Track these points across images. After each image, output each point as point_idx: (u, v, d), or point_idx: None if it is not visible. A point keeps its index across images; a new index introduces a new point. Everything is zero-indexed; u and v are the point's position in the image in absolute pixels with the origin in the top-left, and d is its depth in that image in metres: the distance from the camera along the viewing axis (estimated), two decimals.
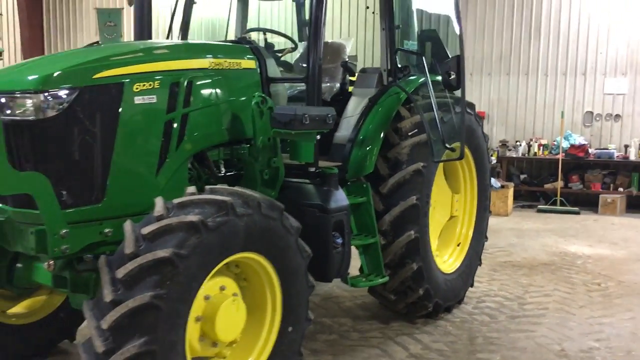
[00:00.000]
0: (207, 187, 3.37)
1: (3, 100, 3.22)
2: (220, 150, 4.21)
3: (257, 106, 4.05)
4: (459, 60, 4.60)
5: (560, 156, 11.40)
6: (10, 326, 4.24)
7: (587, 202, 11.53)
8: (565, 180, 11.69)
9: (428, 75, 4.79)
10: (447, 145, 4.73)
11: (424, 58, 4.91)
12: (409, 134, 4.88)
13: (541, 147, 11.99)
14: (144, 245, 2.96)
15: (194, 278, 3.01)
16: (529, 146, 11.99)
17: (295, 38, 6.27)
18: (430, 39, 5.66)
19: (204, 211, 3.09)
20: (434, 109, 4.74)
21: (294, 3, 6.33)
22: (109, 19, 14.94)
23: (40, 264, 3.98)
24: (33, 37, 15.31)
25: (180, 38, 5.38)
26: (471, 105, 5.56)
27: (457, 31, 4.69)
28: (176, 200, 3.17)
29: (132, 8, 4.89)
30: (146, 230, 2.98)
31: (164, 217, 3.05)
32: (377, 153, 4.78)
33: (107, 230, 3.46)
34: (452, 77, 4.55)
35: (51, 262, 3.48)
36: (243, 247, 3.29)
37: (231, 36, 5.95)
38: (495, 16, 12.20)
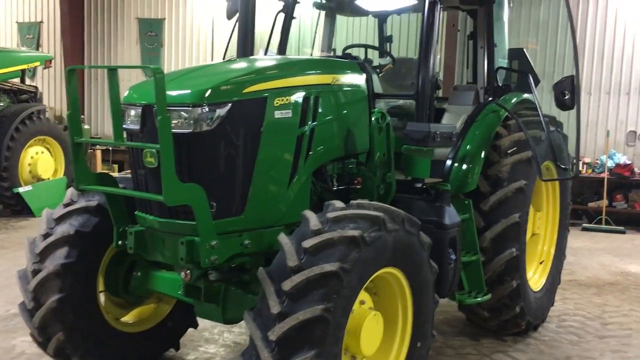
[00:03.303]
0: (353, 202, 3.41)
1: None
2: (334, 165, 4.26)
3: (377, 122, 4.10)
4: (574, 79, 4.64)
5: (605, 175, 11.40)
6: (123, 333, 4.28)
7: (631, 222, 11.50)
8: (609, 199, 11.68)
9: (535, 93, 4.83)
10: (562, 166, 4.74)
11: (530, 76, 4.96)
12: (508, 151, 4.91)
13: (584, 166, 12.01)
14: (305, 259, 3.00)
15: (353, 291, 3.06)
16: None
17: (377, 53, 6.34)
18: (518, 57, 5.71)
19: (360, 226, 3.14)
20: (544, 127, 4.77)
21: (376, 19, 6.38)
22: (150, 29, 15.08)
23: (161, 273, 4.06)
24: (74, 45, 15.48)
25: (277, 53, 5.45)
26: (560, 124, 5.59)
27: (573, 51, 4.74)
28: (330, 215, 3.21)
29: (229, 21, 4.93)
30: (308, 243, 3.02)
31: (321, 232, 3.09)
32: (480, 171, 4.80)
33: (246, 242, 3.51)
34: (567, 96, 4.60)
35: (187, 271, 3.52)
36: (388, 262, 3.33)
37: (317, 52, 6.01)
38: (540, 35, 12.24)
